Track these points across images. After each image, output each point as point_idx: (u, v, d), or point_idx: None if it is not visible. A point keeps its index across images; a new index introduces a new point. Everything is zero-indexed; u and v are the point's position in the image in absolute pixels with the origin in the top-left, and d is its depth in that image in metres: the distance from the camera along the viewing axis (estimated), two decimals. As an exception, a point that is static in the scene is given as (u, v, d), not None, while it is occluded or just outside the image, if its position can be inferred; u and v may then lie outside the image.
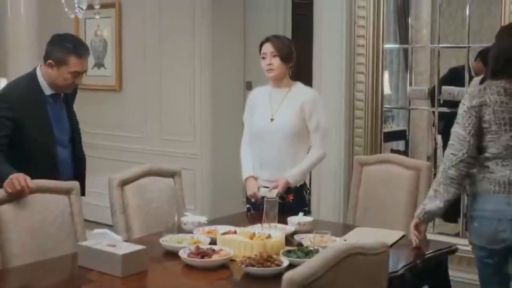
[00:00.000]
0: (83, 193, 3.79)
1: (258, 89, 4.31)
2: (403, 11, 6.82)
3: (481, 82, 3.36)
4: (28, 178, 3.29)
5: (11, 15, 5.59)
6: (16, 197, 3.27)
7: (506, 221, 3.17)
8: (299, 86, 4.13)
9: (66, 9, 3.84)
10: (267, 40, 4.08)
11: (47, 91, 3.78)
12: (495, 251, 3.24)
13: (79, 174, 3.94)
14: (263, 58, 4.05)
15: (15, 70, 5.55)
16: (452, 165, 3.24)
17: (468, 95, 3.31)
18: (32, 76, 3.81)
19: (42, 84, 3.77)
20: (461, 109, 3.29)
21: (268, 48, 4.03)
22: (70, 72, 3.70)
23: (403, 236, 3.53)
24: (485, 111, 3.22)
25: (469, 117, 3.24)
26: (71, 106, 3.99)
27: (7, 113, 3.64)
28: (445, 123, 5.47)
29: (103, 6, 4.18)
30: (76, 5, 3.77)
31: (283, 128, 3.99)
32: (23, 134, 3.67)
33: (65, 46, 3.71)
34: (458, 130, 3.26)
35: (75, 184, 3.54)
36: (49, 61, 3.71)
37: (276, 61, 4.01)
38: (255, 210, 4.06)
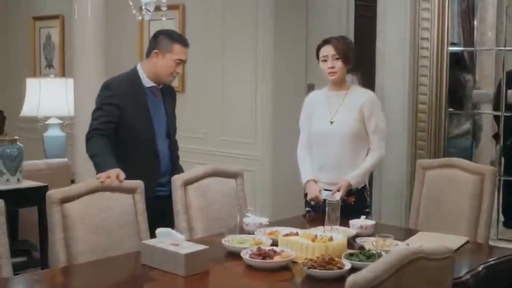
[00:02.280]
0: None
1: (314, 93, 4.29)
2: (468, 13, 6.72)
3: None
4: (121, 173, 3.51)
5: (78, 17, 5.69)
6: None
7: None
8: (356, 88, 4.11)
9: (134, 11, 3.91)
10: (326, 42, 4.02)
11: (147, 83, 4.01)
12: None
13: (174, 168, 4.09)
14: (324, 60, 4.01)
15: (82, 70, 5.67)
16: None
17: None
18: (132, 70, 4.06)
19: (142, 77, 4.00)
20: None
21: (329, 50, 3.98)
22: (174, 60, 3.96)
23: (467, 241, 3.48)
24: None
25: None
26: (169, 104, 4.19)
27: (113, 100, 3.89)
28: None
29: (167, 7, 4.23)
30: (143, 7, 3.84)
31: (343, 131, 3.97)
32: (126, 123, 3.90)
33: (171, 36, 4.01)
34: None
35: (139, 183, 3.59)
36: (155, 50, 3.96)
37: (339, 64, 3.97)
38: (315, 213, 4.06)
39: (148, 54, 4.03)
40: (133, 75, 4.01)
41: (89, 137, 3.84)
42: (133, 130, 3.91)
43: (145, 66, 4.03)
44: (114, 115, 3.86)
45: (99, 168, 3.63)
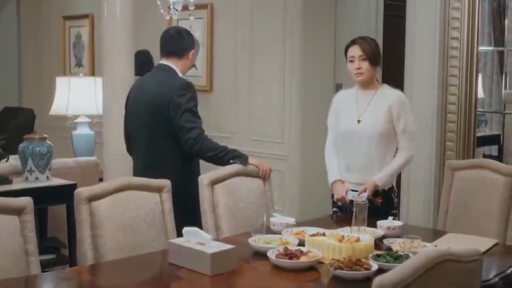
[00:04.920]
0: None
1: (343, 92, 4.26)
2: (498, 13, 6.66)
3: None
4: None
5: (107, 16, 5.72)
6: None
7: None
8: (385, 88, 4.07)
9: (162, 11, 3.92)
10: (353, 42, 3.99)
11: None
12: None
13: None
14: (351, 61, 3.97)
15: (111, 69, 5.69)
16: None
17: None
18: (168, 68, 4.20)
19: (180, 75, 4.22)
20: None
21: (356, 51, 3.95)
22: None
23: (496, 244, 3.44)
24: None
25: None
26: None
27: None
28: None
29: (195, 7, 4.24)
30: (171, 7, 3.85)
31: (370, 130, 3.93)
32: None
33: (192, 34, 4.24)
34: None
35: (167, 182, 3.59)
36: (192, 51, 4.24)
37: (365, 65, 3.94)
38: (342, 214, 4.04)
39: (181, 54, 4.18)
40: (177, 73, 4.19)
41: (203, 138, 4.10)
42: None
43: (180, 64, 4.22)
44: None
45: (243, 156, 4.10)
